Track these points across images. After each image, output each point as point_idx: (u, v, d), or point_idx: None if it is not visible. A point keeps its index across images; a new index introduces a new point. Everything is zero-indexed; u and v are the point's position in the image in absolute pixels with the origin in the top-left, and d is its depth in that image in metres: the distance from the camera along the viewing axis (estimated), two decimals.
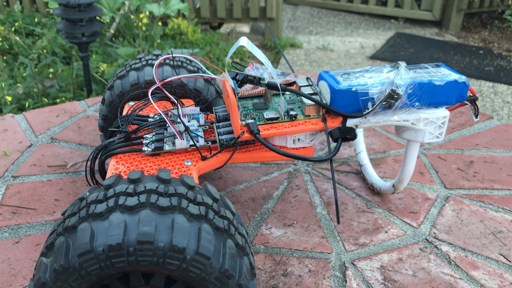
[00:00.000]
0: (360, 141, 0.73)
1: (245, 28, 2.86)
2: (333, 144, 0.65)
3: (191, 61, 0.65)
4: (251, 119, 0.50)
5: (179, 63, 0.63)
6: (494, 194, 0.68)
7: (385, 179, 0.70)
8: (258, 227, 0.61)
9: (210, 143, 0.50)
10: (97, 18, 1.53)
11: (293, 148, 0.52)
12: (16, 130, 0.83)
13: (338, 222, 0.45)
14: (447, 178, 0.72)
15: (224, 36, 2.78)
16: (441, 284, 0.53)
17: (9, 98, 1.46)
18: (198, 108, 0.56)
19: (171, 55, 0.57)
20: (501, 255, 0.57)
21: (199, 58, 0.59)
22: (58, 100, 1.59)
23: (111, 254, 0.32)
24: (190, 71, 0.62)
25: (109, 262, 0.33)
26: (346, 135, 0.48)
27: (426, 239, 0.60)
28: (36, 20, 2.67)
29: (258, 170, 0.73)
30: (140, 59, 0.64)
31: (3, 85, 1.60)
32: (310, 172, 0.73)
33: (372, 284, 0.53)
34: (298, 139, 0.51)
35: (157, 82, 0.52)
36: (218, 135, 0.51)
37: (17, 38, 2.06)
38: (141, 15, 2.03)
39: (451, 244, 0.59)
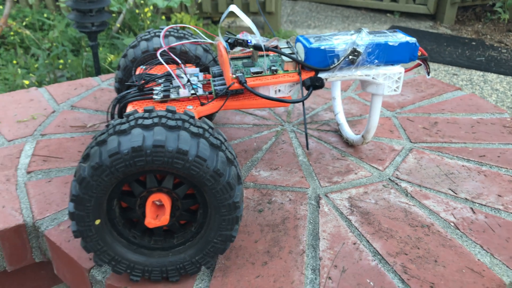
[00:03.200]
0: (338, 103, 0.84)
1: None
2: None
3: (191, 33, 0.77)
4: (240, 73, 0.61)
5: (182, 35, 0.75)
6: (451, 146, 0.80)
7: (359, 135, 0.82)
8: (249, 170, 0.73)
9: (207, 93, 0.62)
10: (106, 9, 1.65)
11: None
12: (40, 100, 0.95)
13: (307, 148, 0.56)
14: (412, 135, 0.84)
15: (225, 29, 2.90)
16: (397, 209, 0.65)
17: (26, 82, 1.59)
18: (198, 69, 0.68)
19: (176, 25, 0.69)
20: (450, 189, 0.69)
21: (200, 28, 0.71)
22: None
23: (133, 154, 0.44)
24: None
25: (132, 161, 0.44)
26: (315, 83, 0.60)
27: (389, 179, 0.71)
28: (45, 15, 2.79)
29: (250, 130, 0.85)
30: (149, 32, 0.76)
31: (19, 71, 1.72)
32: (295, 131, 0.85)
33: (340, 209, 0.64)
34: (279, 90, 0.63)
35: (164, 46, 0.64)
36: (214, 87, 0.62)
37: (28, 32, 2.19)
38: (146, 9, 2.15)
39: (410, 182, 0.71)
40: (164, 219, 0.48)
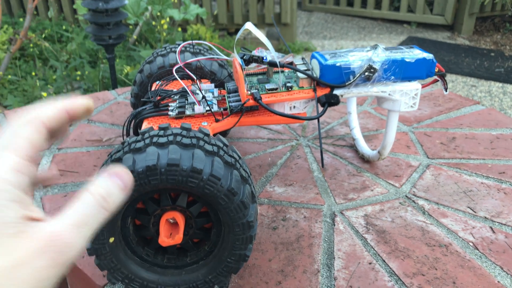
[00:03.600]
0: (354, 118, 0.84)
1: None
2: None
3: (207, 49, 0.77)
4: (255, 90, 0.61)
5: (198, 50, 0.75)
6: (470, 163, 0.78)
7: (375, 150, 0.81)
8: (263, 186, 0.73)
9: (222, 109, 0.62)
10: (123, 22, 1.67)
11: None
12: None
13: (323, 166, 0.56)
14: (430, 151, 0.82)
15: (241, 41, 2.92)
16: (414, 227, 0.63)
17: (44, 94, 1.61)
18: (213, 85, 0.68)
19: (191, 41, 0.70)
20: (469, 207, 0.67)
21: (215, 45, 0.71)
22: None
23: (148, 173, 0.44)
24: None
25: (146, 180, 0.44)
26: (331, 100, 0.60)
27: (406, 196, 0.70)
28: (64, 27, 2.84)
29: (265, 144, 0.85)
30: (165, 47, 0.76)
31: (38, 83, 1.75)
32: (310, 146, 0.84)
33: (356, 227, 0.63)
34: (294, 106, 0.63)
35: (180, 63, 0.64)
36: (229, 103, 0.62)
37: (47, 44, 2.23)
38: (162, 21, 2.17)
39: (427, 199, 0.69)
40: (177, 237, 0.48)
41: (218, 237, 0.51)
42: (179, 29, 2.44)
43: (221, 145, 0.49)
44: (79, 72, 2.07)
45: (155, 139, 0.47)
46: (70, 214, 0.26)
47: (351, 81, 0.61)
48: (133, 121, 0.63)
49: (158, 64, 0.74)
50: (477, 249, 0.60)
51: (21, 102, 1.75)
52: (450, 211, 0.67)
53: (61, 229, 0.25)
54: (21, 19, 3.02)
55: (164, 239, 0.48)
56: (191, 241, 0.52)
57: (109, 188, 0.29)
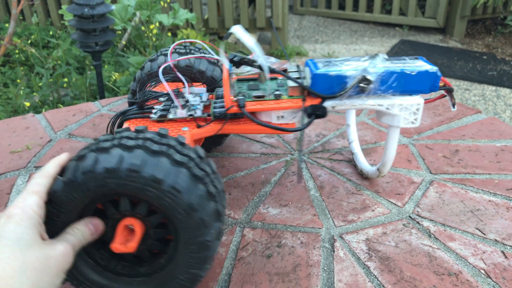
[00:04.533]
0: (353, 131, 0.79)
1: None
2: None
3: (205, 52, 0.72)
4: (242, 96, 0.56)
5: (194, 51, 0.71)
6: (475, 178, 0.74)
7: (374, 166, 0.76)
8: (256, 207, 0.67)
9: (206, 115, 0.58)
10: (110, 28, 1.61)
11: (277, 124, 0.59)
12: (37, 127, 0.90)
13: (299, 182, 0.52)
14: (432, 165, 0.78)
15: (232, 45, 2.87)
16: (420, 253, 0.59)
17: (27, 104, 1.55)
18: (205, 89, 0.63)
19: (186, 40, 0.65)
20: (477, 229, 0.63)
21: (209, 43, 0.66)
22: None
23: (106, 175, 0.41)
24: (209, 62, 0.70)
25: (104, 181, 0.41)
26: (317, 111, 0.55)
27: (410, 217, 0.65)
28: (51, 33, 2.77)
29: (258, 160, 0.80)
30: (169, 48, 0.72)
31: (21, 92, 1.69)
32: (306, 161, 0.79)
33: (357, 254, 0.58)
34: (282, 116, 0.58)
35: (169, 60, 0.60)
36: (213, 109, 0.58)
37: (33, 50, 2.16)
38: (151, 26, 2.11)
39: (432, 220, 0.65)
40: (130, 246, 0.44)
41: (175, 252, 0.46)
42: (169, 34, 2.39)
43: (193, 156, 0.44)
44: (66, 79, 2.00)
45: (124, 141, 0.43)
46: (69, 239, 0.43)
47: (342, 92, 0.56)
48: (118, 121, 0.59)
49: (159, 62, 0.70)
50: (490, 278, 0.55)
51: (4, 112, 1.68)
52: (457, 233, 0.62)
53: (68, 246, 0.42)
54: (6, 25, 2.94)
55: (117, 246, 0.44)
56: (149, 251, 0.48)
57: (84, 230, 0.44)
